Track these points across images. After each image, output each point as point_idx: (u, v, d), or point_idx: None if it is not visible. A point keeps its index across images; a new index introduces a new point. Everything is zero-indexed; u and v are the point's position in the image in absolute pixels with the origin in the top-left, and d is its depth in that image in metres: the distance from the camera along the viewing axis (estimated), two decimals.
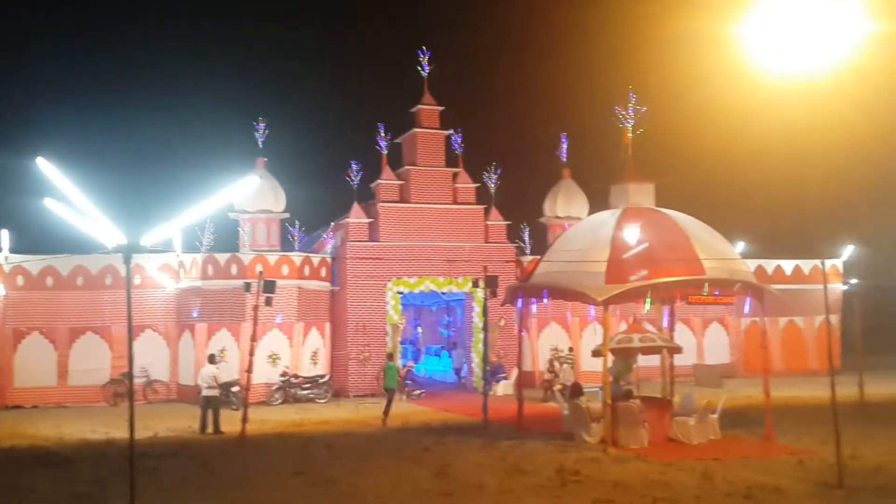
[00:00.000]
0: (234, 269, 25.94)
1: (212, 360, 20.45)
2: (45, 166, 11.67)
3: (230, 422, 19.35)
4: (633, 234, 17.50)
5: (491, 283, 20.61)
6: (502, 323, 28.01)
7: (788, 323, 33.22)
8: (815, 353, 33.05)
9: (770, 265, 33.17)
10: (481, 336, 25.13)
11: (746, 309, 18.49)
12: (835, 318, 32.77)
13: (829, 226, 40.88)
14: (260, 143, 28.16)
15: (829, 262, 33.08)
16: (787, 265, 33.40)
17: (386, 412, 20.87)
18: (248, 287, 19.69)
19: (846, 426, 13.69)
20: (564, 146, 31.82)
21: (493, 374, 26.87)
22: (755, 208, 42.55)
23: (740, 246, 34.49)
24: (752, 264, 27.36)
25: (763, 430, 17.11)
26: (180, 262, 27.02)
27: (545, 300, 20.79)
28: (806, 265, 33.28)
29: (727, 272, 17.16)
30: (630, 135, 19.59)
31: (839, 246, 34.99)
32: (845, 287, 33.26)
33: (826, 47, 13.46)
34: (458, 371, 30.97)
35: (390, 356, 24.29)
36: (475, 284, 23.23)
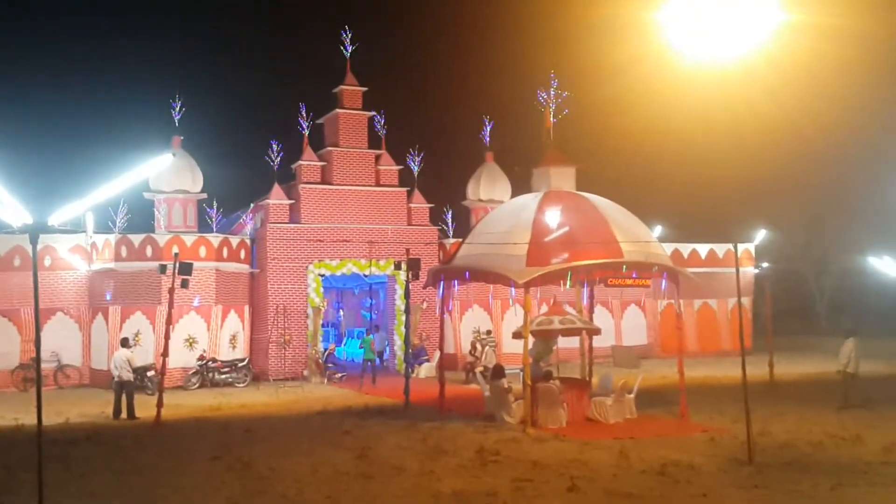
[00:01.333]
0: (149, 251, 25.28)
1: (125, 343, 19.93)
2: None
3: (145, 407, 18.91)
4: (553, 217, 17.65)
5: (413, 265, 20.58)
6: (424, 305, 28.02)
7: (703, 305, 34.11)
8: (728, 334, 34.05)
9: (686, 249, 33.98)
10: (403, 319, 25.10)
11: (663, 286, 18.85)
12: (747, 301, 33.86)
13: (742, 211, 42.21)
14: (176, 121, 27.49)
15: (741, 247, 33.95)
16: (702, 249, 34.27)
17: (373, 380, 24.88)
18: (163, 269, 19.23)
19: (756, 404, 14.12)
20: (488, 129, 31.95)
21: (415, 356, 26.89)
22: (672, 193, 43.60)
23: (657, 230, 35.27)
24: (668, 248, 27.99)
25: (678, 409, 17.54)
26: (93, 243, 26.21)
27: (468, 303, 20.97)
28: (720, 249, 34.23)
29: (644, 255, 17.46)
30: (552, 119, 19.74)
31: (752, 230, 36.10)
32: (757, 270, 34.34)
33: (739, 36, 13.75)
34: (380, 354, 30.88)
35: (369, 330, 24.82)
36: (397, 267, 23.15)
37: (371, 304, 35.12)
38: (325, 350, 27.49)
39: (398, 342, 28.41)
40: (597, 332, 18.94)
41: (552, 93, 19.77)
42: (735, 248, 15.29)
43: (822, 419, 16.57)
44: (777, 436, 14.84)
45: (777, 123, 35.11)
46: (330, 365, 26.81)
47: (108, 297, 25.73)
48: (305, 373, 26.63)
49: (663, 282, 18.35)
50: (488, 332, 28.17)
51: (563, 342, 19.81)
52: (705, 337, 33.88)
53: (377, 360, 26.67)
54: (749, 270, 34.05)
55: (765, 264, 34.22)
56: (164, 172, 26.59)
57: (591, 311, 20.85)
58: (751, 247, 35.04)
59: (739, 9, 13.60)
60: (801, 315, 48.34)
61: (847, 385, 18.81)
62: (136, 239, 25.55)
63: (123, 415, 18.72)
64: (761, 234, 36.22)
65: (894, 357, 30.25)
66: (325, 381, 25.86)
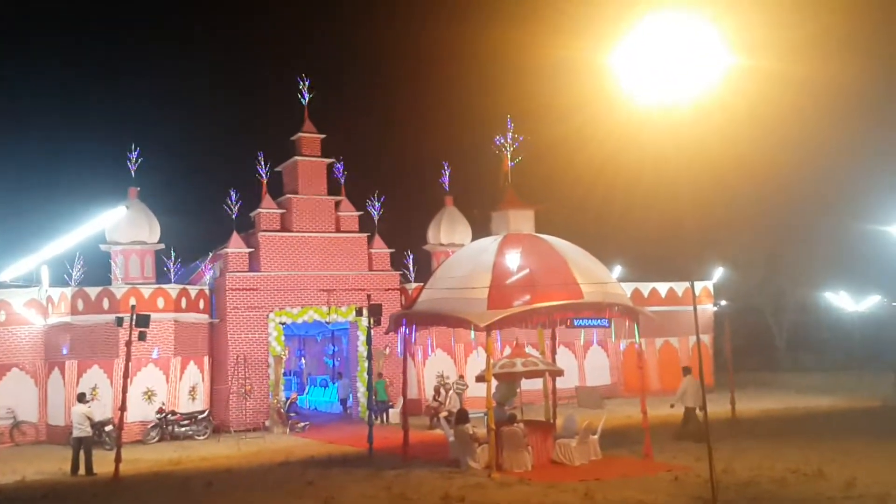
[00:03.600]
0: (105, 304, 24.88)
1: (81, 398, 19.52)
2: None
3: (103, 462, 18.47)
4: (513, 260, 17.74)
5: (374, 311, 20.50)
6: (387, 351, 27.86)
7: (664, 343, 34.26)
8: None
9: (646, 288, 34.19)
10: (366, 365, 24.90)
11: (612, 337, 19.08)
12: (707, 338, 34.17)
13: (699, 249, 42.69)
14: (133, 172, 27.23)
15: (699, 285, 34.38)
16: (662, 288, 34.51)
17: (385, 420, 26.34)
18: (119, 322, 18.93)
19: (719, 442, 14.23)
20: (447, 174, 32.18)
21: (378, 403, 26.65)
22: (630, 233, 44.01)
23: (617, 270, 35.59)
24: (628, 288, 28.22)
25: (642, 449, 17.57)
26: (48, 297, 25.74)
27: (430, 348, 21.04)
28: (679, 287, 34.48)
29: (604, 296, 17.61)
30: (509, 162, 19.93)
31: (709, 268, 36.51)
32: (716, 308, 34.68)
33: (690, 79, 14.06)
34: (343, 401, 30.59)
35: (380, 375, 26.32)
36: (359, 313, 23.04)
37: (334, 351, 34.86)
38: (287, 399, 27.15)
39: (361, 389, 28.16)
40: (560, 373, 18.97)
41: (509, 136, 20.00)
42: (692, 286, 15.50)
43: (784, 455, 16.69)
44: (740, 473, 14.92)
45: (730, 164, 35.74)
46: (292, 414, 26.46)
47: (64, 352, 25.23)
48: (267, 423, 26.24)
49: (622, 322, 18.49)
50: (460, 377, 27.92)
51: (527, 384, 19.83)
52: (668, 375, 33.85)
53: (377, 408, 26.49)
54: (708, 308, 34.41)
55: (723, 302, 34.61)
56: (120, 224, 26.30)
57: (553, 352, 20.90)
58: (709, 284, 35.44)
59: (689, 53, 13.92)
60: (761, 351, 48.87)
61: (688, 417, 20.04)
62: (93, 292, 25.14)
63: (81, 471, 18.29)
64: (719, 272, 36.67)
65: (854, 391, 30.72)
66: (288, 430, 25.49)
